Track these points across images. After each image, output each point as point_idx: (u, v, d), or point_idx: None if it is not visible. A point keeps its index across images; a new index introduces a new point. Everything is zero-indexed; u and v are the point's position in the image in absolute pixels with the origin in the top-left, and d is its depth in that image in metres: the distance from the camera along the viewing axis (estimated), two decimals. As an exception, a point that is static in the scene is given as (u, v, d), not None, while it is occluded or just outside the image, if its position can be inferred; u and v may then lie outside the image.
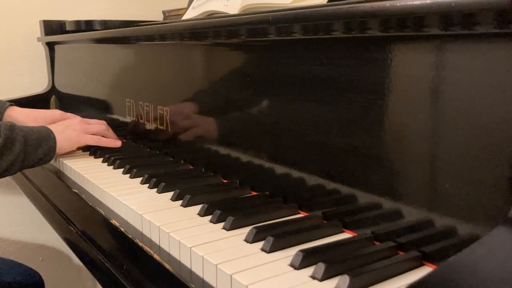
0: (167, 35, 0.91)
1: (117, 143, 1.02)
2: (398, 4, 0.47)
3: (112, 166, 0.91)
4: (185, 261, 0.55)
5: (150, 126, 1.02)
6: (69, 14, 1.52)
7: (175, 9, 1.36)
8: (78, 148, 1.05)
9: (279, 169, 0.69)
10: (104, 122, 1.05)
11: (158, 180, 0.76)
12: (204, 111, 0.86)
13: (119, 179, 0.83)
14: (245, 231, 0.58)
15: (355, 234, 0.58)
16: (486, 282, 0.34)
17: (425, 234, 0.50)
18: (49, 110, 1.10)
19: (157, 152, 1.00)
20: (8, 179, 1.42)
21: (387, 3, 0.48)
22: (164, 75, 0.98)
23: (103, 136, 1.02)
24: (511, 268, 0.35)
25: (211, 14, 0.96)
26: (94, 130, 1.00)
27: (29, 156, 0.86)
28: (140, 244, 0.61)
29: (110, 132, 1.05)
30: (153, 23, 1.11)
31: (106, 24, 1.38)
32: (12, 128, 0.84)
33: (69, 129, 0.96)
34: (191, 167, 0.89)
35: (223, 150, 0.80)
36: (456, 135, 0.47)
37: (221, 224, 0.61)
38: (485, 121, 0.44)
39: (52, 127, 0.93)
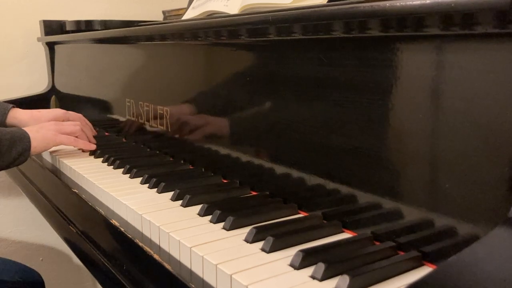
0: (167, 35, 0.91)
1: (91, 146, 1.02)
2: (398, 4, 0.47)
3: (112, 166, 0.90)
4: (185, 261, 0.55)
5: (150, 126, 1.02)
6: (69, 14, 1.52)
7: (175, 9, 1.36)
8: (78, 148, 1.05)
9: (279, 169, 0.69)
10: (78, 123, 1.05)
11: (158, 180, 0.76)
12: (204, 111, 0.86)
13: (119, 179, 0.83)
14: (245, 231, 0.58)
15: (355, 234, 0.58)
16: (486, 282, 0.34)
17: (425, 234, 0.50)
18: (51, 109, 1.10)
19: (157, 152, 1.00)
20: (8, 179, 1.42)
21: (387, 3, 0.48)
22: (164, 75, 0.98)
23: (77, 137, 1.01)
24: (511, 268, 0.35)
25: (211, 14, 0.97)
26: (68, 130, 1.00)
27: (3, 156, 0.86)
28: (140, 244, 0.61)
29: (87, 132, 1.04)
30: (153, 23, 1.11)
31: (106, 24, 1.38)
32: None
33: (43, 129, 0.96)
34: (191, 167, 0.89)
35: (223, 150, 0.80)
36: (456, 135, 0.47)
37: (221, 224, 0.61)
38: (485, 121, 0.44)
39: (26, 128, 0.93)
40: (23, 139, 0.90)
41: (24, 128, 0.93)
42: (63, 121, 1.04)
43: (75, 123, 1.04)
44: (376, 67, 0.54)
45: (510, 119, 0.42)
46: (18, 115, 1.07)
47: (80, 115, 1.10)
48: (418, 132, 0.50)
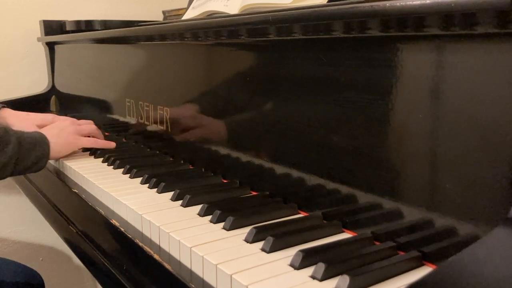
0: (167, 35, 0.91)
1: (111, 144, 1.02)
2: (398, 4, 0.47)
3: (112, 166, 0.90)
4: (185, 261, 0.55)
5: (150, 126, 1.02)
6: (69, 14, 1.52)
7: (175, 9, 1.36)
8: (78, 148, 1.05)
9: (279, 169, 0.69)
10: (91, 121, 1.05)
11: (158, 180, 0.76)
12: (204, 111, 0.86)
13: (119, 179, 0.83)
14: (245, 231, 0.58)
15: (355, 234, 0.58)
16: (486, 282, 0.34)
17: (425, 234, 0.50)
18: (41, 113, 1.09)
19: (157, 152, 1.00)
20: (8, 179, 1.42)
21: (387, 3, 0.48)
22: (164, 75, 0.98)
23: (94, 137, 1.02)
24: (511, 268, 0.35)
25: (211, 14, 0.97)
26: (87, 131, 1.00)
27: (22, 159, 0.84)
28: (140, 244, 0.61)
29: (100, 132, 1.05)
30: (153, 23, 1.11)
31: (106, 24, 1.38)
32: (6, 130, 0.83)
33: (64, 132, 0.95)
34: (191, 167, 0.89)
35: (223, 150, 0.80)
36: (456, 135, 0.47)
37: (221, 224, 0.61)
38: (485, 121, 0.44)
39: (45, 132, 0.91)
40: (42, 144, 0.87)
41: (43, 131, 0.91)
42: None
43: (89, 121, 1.04)
44: (376, 67, 0.54)
45: (510, 119, 0.42)
46: (7, 115, 1.05)
47: (71, 119, 1.08)
48: (418, 132, 0.50)
